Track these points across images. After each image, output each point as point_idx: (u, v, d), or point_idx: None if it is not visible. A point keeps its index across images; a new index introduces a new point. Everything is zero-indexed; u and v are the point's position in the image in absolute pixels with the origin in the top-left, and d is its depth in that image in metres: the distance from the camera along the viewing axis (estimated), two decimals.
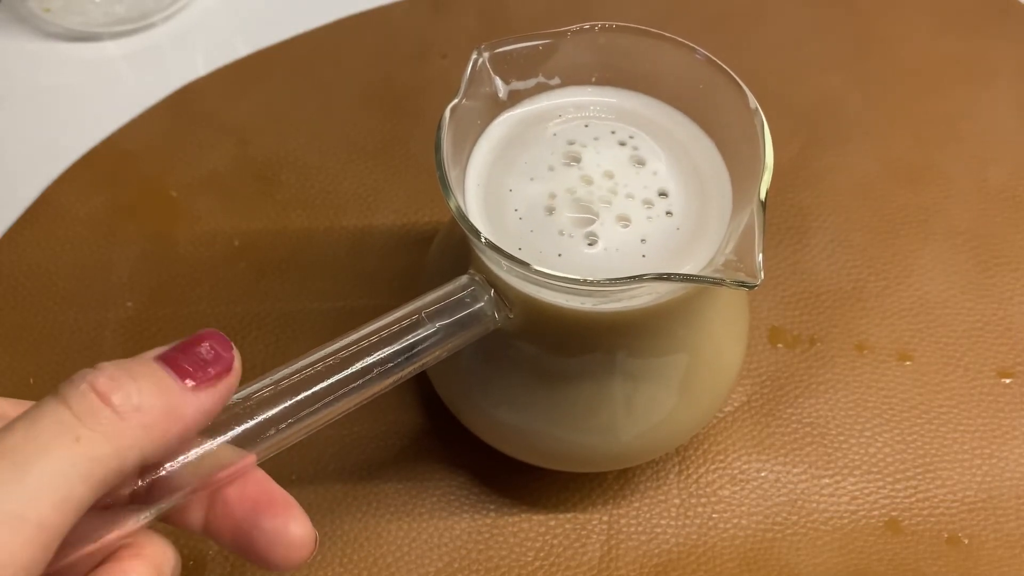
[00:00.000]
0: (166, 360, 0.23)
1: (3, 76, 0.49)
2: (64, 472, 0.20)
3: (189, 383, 0.22)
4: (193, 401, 0.22)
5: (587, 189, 0.30)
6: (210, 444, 0.24)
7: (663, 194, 0.30)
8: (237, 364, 0.24)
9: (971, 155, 0.46)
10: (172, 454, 0.23)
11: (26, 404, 0.24)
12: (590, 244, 0.29)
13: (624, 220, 0.29)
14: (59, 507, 0.20)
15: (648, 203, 0.30)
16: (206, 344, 0.23)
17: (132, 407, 0.21)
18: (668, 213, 0.30)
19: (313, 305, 0.41)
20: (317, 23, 0.50)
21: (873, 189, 0.45)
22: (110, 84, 0.49)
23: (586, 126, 0.31)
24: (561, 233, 0.29)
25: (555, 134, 0.31)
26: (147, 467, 0.22)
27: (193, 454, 0.23)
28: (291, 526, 0.24)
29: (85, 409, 0.21)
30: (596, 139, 0.31)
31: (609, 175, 0.30)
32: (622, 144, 0.31)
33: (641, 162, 0.31)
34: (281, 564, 0.24)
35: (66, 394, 0.21)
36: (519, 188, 0.30)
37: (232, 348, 0.24)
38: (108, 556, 0.23)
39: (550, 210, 0.29)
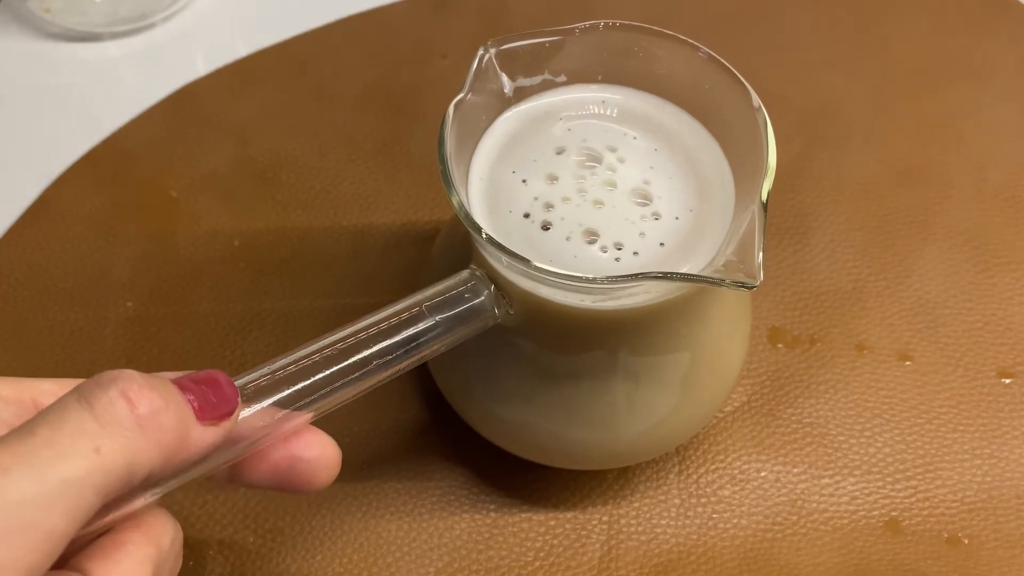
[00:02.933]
0: (182, 388, 0.23)
1: (3, 76, 0.49)
2: (79, 482, 0.20)
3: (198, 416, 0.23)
4: (201, 435, 0.23)
5: (589, 186, 0.30)
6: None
7: (665, 193, 0.30)
8: (238, 410, 0.24)
9: (971, 155, 0.46)
10: (170, 477, 0.23)
11: (19, 382, 0.24)
12: (591, 241, 0.29)
13: (626, 218, 0.29)
14: (68, 515, 0.20)
15: (650, 201, 0.30)
16: (217, 385, 0.23)
17: (156, 423, 0.21)
18: (670, 212, 0.30)
19: (313, 305, 0.41)
20: (317, 23, 0.50)
21: (873, 189, 0.45)
22: (110, 84, 0.49)
23: (590, 124, 0.31)
24: (562, 230, 0.29)
25: (559, 131, 0.31)
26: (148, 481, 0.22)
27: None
28: (328, 448, 0.26)
29: (111, 418, 0.21)
30: (600, 137, 0.31)
31: (612, 173, 0.30)
32: (626, 142, 0.31)
33: (644, 160, 0.31)
34: (325, 483, 0.26)
35: (93, 399, 0.21)
36: (521, 185, 0.30)
37: (238, 395, 0.24)
38: None
39: (552, 207, 0.29)
